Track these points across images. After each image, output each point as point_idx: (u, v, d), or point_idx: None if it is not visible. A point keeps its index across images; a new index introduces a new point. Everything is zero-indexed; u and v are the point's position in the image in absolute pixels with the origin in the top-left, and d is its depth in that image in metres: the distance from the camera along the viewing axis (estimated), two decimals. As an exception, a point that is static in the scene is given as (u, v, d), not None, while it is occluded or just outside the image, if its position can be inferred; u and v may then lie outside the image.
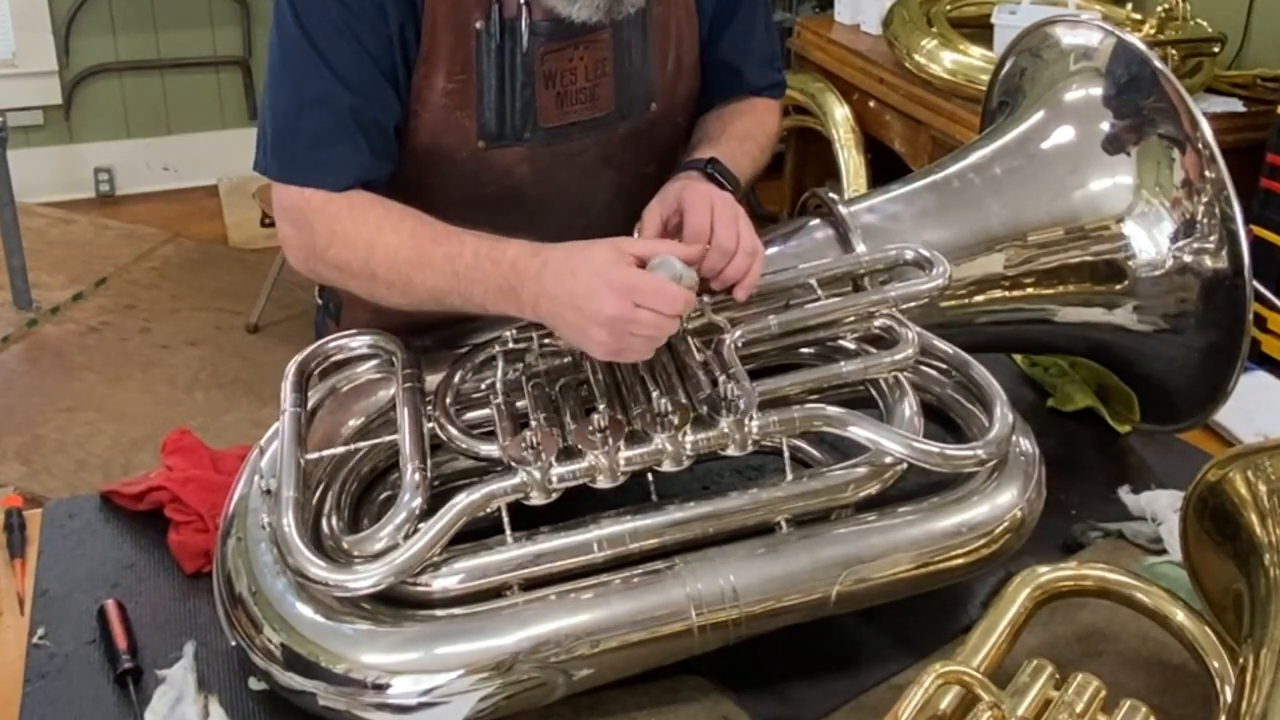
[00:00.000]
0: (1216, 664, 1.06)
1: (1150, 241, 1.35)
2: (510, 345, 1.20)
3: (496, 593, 1.08)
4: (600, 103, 1.37)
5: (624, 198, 1.43)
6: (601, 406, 1.12)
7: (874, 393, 1.24)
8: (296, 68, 1.27)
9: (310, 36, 1.25)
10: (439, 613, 1.06)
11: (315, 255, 1.29)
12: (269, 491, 1.12)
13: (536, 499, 1.09)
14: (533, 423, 1.12)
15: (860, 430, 1.13)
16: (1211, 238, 1.31)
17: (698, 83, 1.48)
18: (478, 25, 1.29)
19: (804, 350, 1.29)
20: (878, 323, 1.26)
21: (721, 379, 1.13)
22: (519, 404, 1.17)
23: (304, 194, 1.28)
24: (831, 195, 1.39)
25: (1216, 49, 2.68)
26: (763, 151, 1.49)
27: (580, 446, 1.09)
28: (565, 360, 1.21)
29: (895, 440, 1.13)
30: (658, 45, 1.39)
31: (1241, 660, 1.00)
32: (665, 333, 1.14)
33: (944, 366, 1.27)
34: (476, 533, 1.10)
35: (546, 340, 1.20)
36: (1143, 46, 1.37)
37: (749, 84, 1.51)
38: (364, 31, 1.25)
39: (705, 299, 1.24)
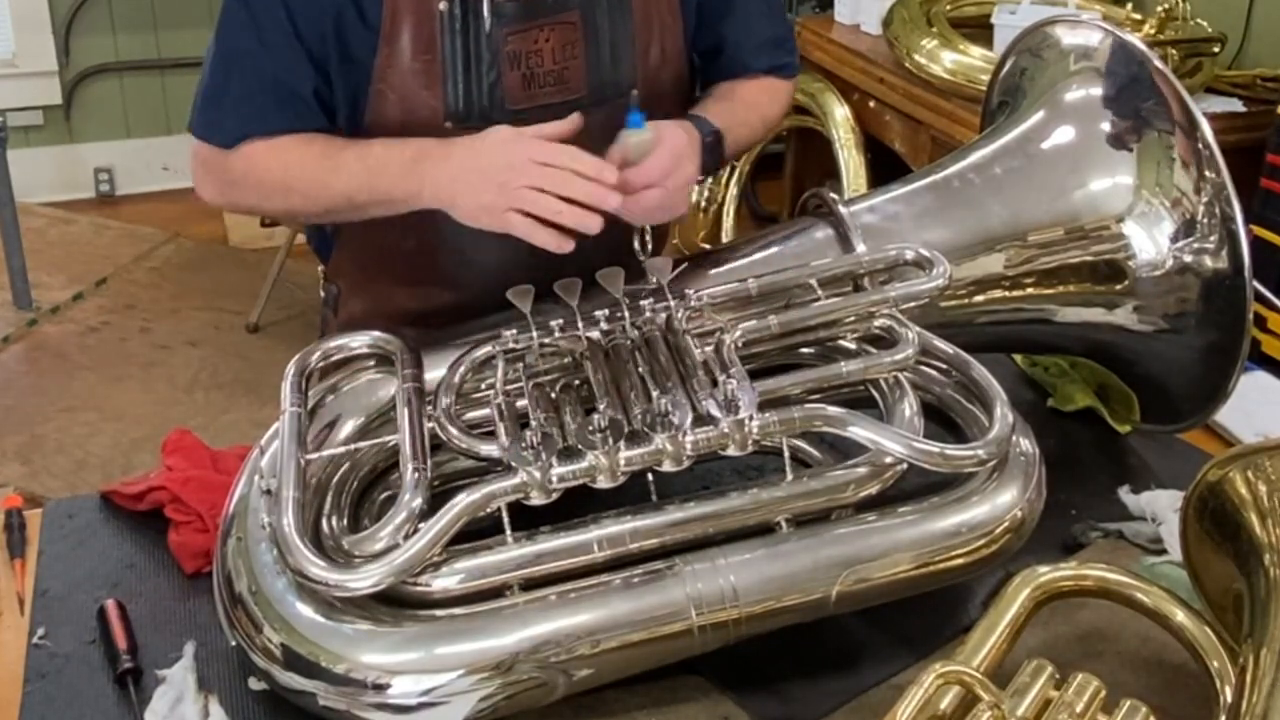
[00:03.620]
0: (1216, 664, 1.06)
1: (1150, 241, 1.35)
2: (510, 345, 1.20)
3: (496, 593, 1.08)
4: (571, 86, 1.38)
5: None
6: (601, 406, 1.12)
7: (874, 393, 1.23)
8: (231, 32, 1.36)
9: (251, 9, 1.33)
10: (439, 613, 1.06)
11: (233, 187, 1.40)
12: (269, 491, 1.12)
13: (536, 499, 1.09)
14: (533, 423, 1.12)
15: (860, 430, 1.13)
16: (1211, 238, 1.31)
17: (684, 73, 1.48)
18: (441, 6, 1.31)
19: (804, 350, 1.29)
20: (878, 323, 1.26)
21: (721, 379, 1.13)
22: (519, 404, 1.17)
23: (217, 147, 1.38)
24: (831, 195, 1.39)
25: (1216, 49, 2.68)
26: (764, 123, 1.53)
27: (580, 446, 1.09)
28: (565, 360, 1.21)
29: (895, 440, 1.13)
30: (638, 32, 1.39)
31: (1241, 660, 1.01)
32: (567, 184, 1.20)
33: (944, 366, 1.27)
34: (477, 533, 1.10)
35: (546, 340, 1.20)
36: (1143, 46, 1.37)
37: (753, 67, 1.52)
38: (299, 13, 1.32)
39: (705, 298, 1.24)
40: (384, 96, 1.35)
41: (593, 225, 1.21)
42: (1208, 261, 1.32)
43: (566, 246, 1.22)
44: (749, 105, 1.49)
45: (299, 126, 1.37)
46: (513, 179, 1.22)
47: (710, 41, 1.50)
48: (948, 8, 3.05)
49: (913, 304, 1.26)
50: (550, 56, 1.35)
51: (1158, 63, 1.35)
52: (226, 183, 1.40)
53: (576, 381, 1.20)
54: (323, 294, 1.62)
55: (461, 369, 1.20)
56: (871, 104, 3.11)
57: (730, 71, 1.52)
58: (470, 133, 1.35)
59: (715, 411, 1.10)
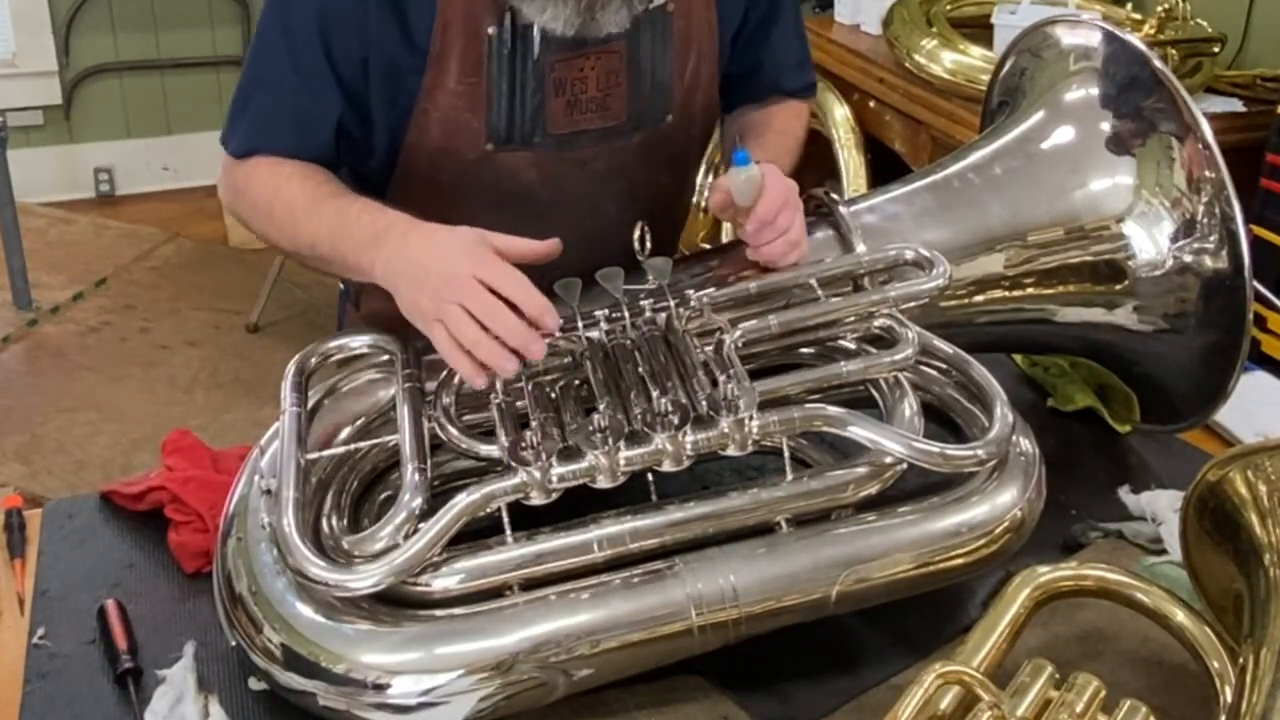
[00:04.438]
0: (1216, 664, 1.06)
1: (1150, 241, 1.35)
2: (510, 345, 1.20)
3: (496, 593, 1.08)
4: (612, 113, 1.38)
5: (636, 207, 1.43)
6: (601, 406, 1.12)
7: (874, 393, 1.24)
8: (266, 51, 1.35)
9: (287, 27, 1.32)
10: (439, 613, 1.06)
11: (236, 198, 1.39)
12: (269, 491, 1.12)
13: (536, 499, 1.09)
14: (533, 423, 1.12)
15: (860, 430, 1.13)
16: (1211, 238, 1.31)
17: (716, 95, 1.49)
18: (490, 31, 1.31)
19: (804, 350, 1.29)
20: (878, 323, 1.26)
21: (721, 379, 1.13)
22: (519, 404, 1.17)
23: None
24: (832, 195, 1.39)
25: (1216, 49, 2.68)
26: (798, 145, 1.55)
27: (580, 446, 1.09)
28: (565, 360, 1.21)
29: (895, 440, 1.13)
30: (677, 59, 1.40)
31: (1241, 660, 1.01)
32: (492, 316, 1.12)
33: (944, 366, 1.27)
34: (476, 533, 1.10)
35: (546, 340, 1.19)
36: (1143, 46, 1.37)
37: (782, 87, 1.55)
38: (334, 40, 1.31)
39: (705, 298, 1.24)
40: (428, 116, 1.34)
41: (508, 369, 1.12)
42: (1208, 261, 1.32)
43: (478, 383, 1.13)
44: (782, 134, 1.51)
45: (307, 152, 1.35)
46: (447, 290, 1.14)
47: (749, 63, 1.51)
48: (948, 8, 3.05)
49: (913, 304, 1.26)
50: (594, 84, 1.35)
51: (1158, 63, 1.35)
52: (233, 190, 1.40)
53: (576, 381, 1.20)
54: (341, 286, 1.62)
55: (461, 369, 1.20)
56: (871, 104, 3.11)
57: (762, 91, 1.54)
58: (511, 154, 1.36)
59: (715, 411, 1.10)
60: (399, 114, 1.36)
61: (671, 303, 1.22)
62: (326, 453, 1.16)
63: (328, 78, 1.33)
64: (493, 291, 1.13)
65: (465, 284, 1.13)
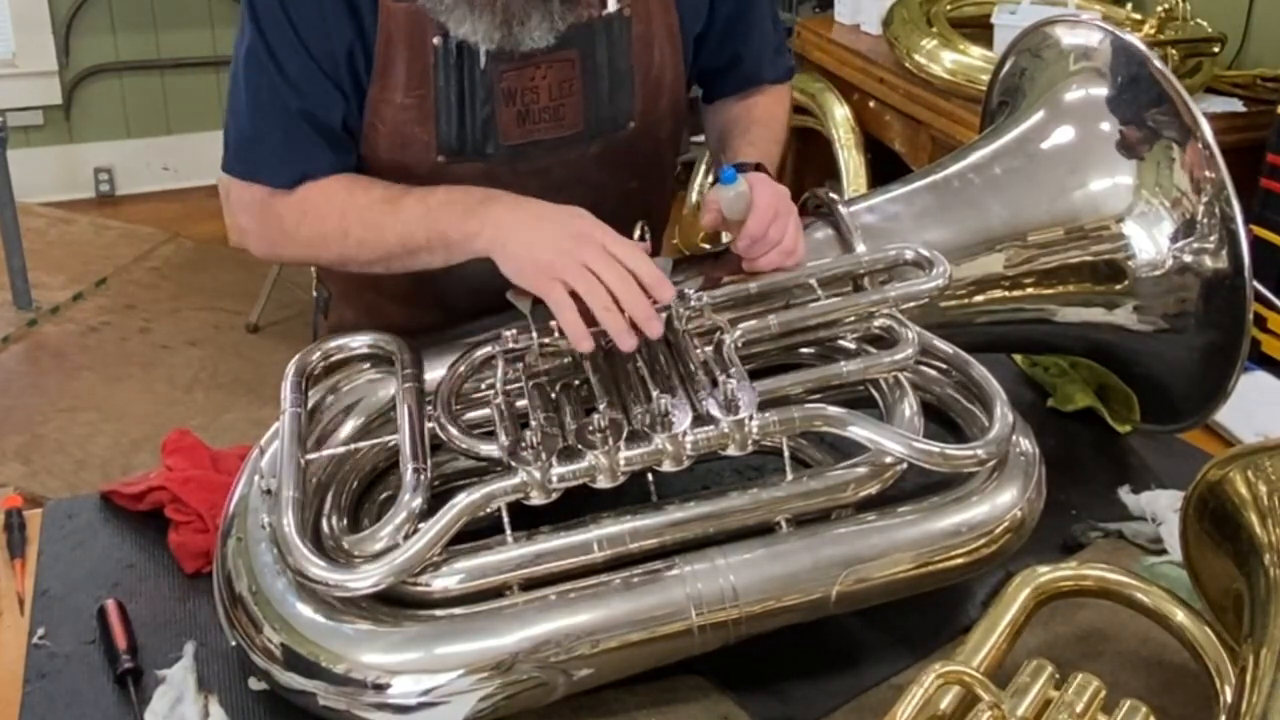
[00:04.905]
0: (1216, 664, 1.06)
1: (1150, 241, 1.35)
2: (510, 345, 1.20)
3: (496, 593, 1.08)
4: (566, 122, 1.36)
5: (603, 214, 1.41)
6: (601, 406, 1.12)
7: (874, 393, 1.24)
8: (255, 74, 1.31)
9: (269, 46, 1.29)
10: (439, 613, 1.06)
11: (284, 238, 1.35)
12: (269, 491, 1.12)
13: (536, 499, 1.09)
14: (533, 423, 1.12)
15: (860, 430, 1.13)
16: (1211, 238, 1.31)
17: (681, 98, 1.48)
18: (435, 42, 1.29)
19: (804, 350, 1.29)
20: (878, 323, 1.26)
21: (721, 379, 1.13)
22: (519, 404, 1.17)
23: (267, 189, 1.34)
24: (831, 195, 1.39)
25: (1216, 49, 2.68)
26: (784, 130, 1.54)
27: (580, 446, 1.09)
28: (565, 360, 1.21)
29: (895, 440, 1.13)
30: (639, 65, 1.38)
31: (1241, 660, 1.01)
32: (623, 286, 1.16)
33: (944, 366, 1.27)
34: (476, 533, 1.10)
35: (546, 340, 1.20)
36: (1143, 46, 1.37)
37: (763, 78, 1.54)
38: (312, 44, 1.29)
39: (705, 298, 1.24)
40: (375, 131, 1.33)
41: (627, 343, 1.15)
42: (1208, 261, 1.32)
43: (585, 346, 1.16)
44: (767, 124, 1.50)
45: (343, 162, 1.33)
46: (577, 251, 1.17)
47: (726, 57, 1.50)
48: (948, 8, 3.05)
49: (913, 304, 1.26)
50: (546, 93, 1.34)
51: (1158, 63, 1.35)
52: (281, 231, 1.35)
53: (576, 381, 1.20)
54: (315, 294, 1.62)
55: (461, 369, 1.20)
56: (871, 104, 3.11)
57: (743, 83, 1.54)
58: (463, 166, 1.34)
59: (715, 411, 1.10)
60: (353, 122, 1.34)
61: (672, 303, 1.22)
62: (326, 453, 1.17)
63: (319, 78, 1.30)
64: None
65: (596, 249, 1.18)
